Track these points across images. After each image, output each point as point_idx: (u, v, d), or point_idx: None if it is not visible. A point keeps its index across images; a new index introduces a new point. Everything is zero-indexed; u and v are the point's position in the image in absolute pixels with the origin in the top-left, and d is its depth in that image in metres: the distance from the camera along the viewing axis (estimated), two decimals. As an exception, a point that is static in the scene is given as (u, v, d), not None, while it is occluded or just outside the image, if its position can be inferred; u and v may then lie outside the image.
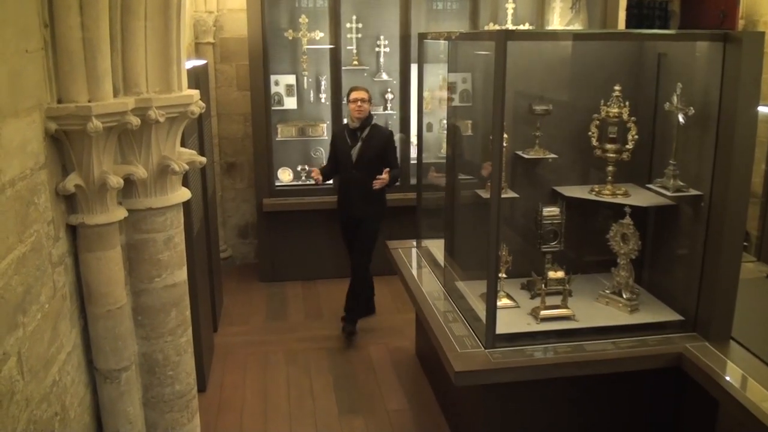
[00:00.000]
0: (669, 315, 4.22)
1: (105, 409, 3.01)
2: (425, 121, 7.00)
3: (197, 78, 5.09)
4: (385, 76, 7.45)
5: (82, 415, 2.87)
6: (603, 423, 4.15)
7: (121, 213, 2.85)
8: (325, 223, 7.16)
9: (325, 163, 6.43)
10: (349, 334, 6.07)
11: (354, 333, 6.10)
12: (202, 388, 5.03)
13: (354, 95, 5.94)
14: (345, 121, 7.55)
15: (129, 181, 2.85)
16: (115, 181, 2.70)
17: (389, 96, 7.49)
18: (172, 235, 3.06)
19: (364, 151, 5.95)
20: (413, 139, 7.31)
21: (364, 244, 6.13)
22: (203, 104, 3.08)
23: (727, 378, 3.58)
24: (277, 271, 7.48)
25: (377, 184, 5.78)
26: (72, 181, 2.66)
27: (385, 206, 6.21)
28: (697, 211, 4.05)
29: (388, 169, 5.81)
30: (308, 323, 6.50)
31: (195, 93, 2.98)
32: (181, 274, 3.16)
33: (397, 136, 7.49)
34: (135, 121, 2.69)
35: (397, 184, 6.34)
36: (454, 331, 4.16)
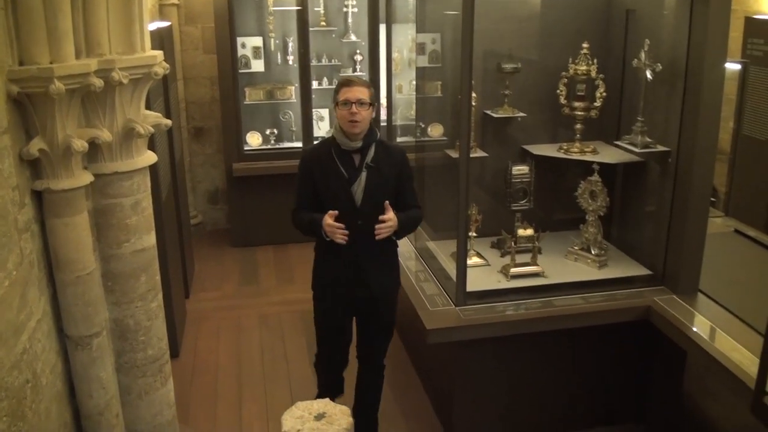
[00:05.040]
0: (637, 270, 4.28)
1: (77, 376, 3.00)
2: (395, 82, 6.97)
3: (162, 40, 4.99)
4: (353, 37, 7.36)
5: (54, 382, 2.86)
6: (574, 377, 4.21)
7: (86, 177, 2.82)
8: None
9: (295, 200, 3.80)
10: None
11: None
12: (175, 353, 5.02)
13: (346, 93, 3.50)
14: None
15: (94, 145, 2.81)
16: (80, 144, 2.66)
17: (358, 57, 7.42)
18: (140, 199, 3.04)
19: (373, 186, 3.59)
20: (383, 101, 7.26)
21: (384, 332, 3.93)
22: (167, 65, 3.03)
23: (695, 329, 3.66)
24: (248, 236, 7.45)
25: (382, 231, 3.53)
26: (36, 146, 2.61)
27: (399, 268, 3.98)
28: (665, 167, 4.09)
29: (386, 202, 3.54)
30: (281, 287, 6.50)
31: (158, 54, 2.94)
32: (150, 239, 3.14)
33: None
34: (98, 82, 2.64)
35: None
36: (426, 290, 4.19)
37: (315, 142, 3.56)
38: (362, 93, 3.50)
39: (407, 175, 3.74)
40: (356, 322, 3.97)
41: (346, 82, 3.56)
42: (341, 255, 3.64)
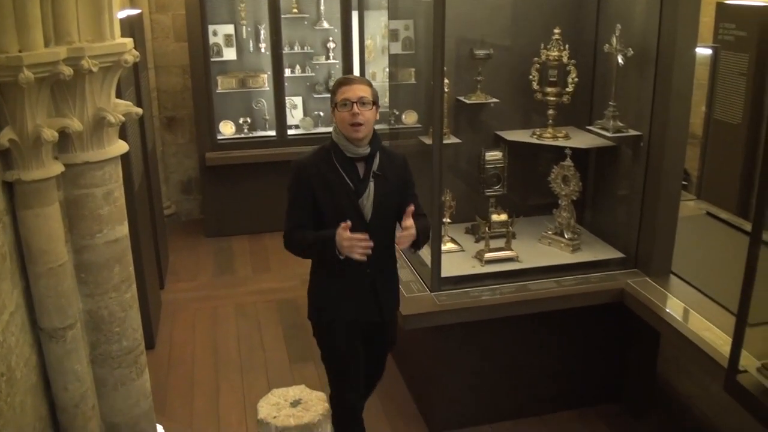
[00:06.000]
0: (610, 253, 4.32)
1: (52, 368, 2.98)
2: (368, 69, 6.95)
3: (132, 28, 4.94)
4: (326, 25, 7.32)
5: (29, 375, 2.83)
6: (551, 360, 4.25)
7: (57, 168, 2.79)
8: (269, 176, 7.10)
9: (289, 219, 3.26)
10: None
11: None
12: (150, 345, 5.00)
13: (345, 93, 3.11)
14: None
15: (65, 135, 2.78)
16: (50, 134, 2.63)
17: (331, 45, 7.38)
18: (112, 189, 3.01)
19: (382, 197, 3.23)
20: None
21: (387, 352, 3.75)
22: (137, 53, 3.00)
23: (668, 310, 3.71)
24: (222, 226, 7.41)
25: (404, 239, 3.14)
26: (6, 136, 2.58)
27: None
28: (637, 151, 4.13)
29: (412, 206, 3.15)
30: (256, 276, 6.49)
31: (128, 41, 2.91)
32: (123, 229, 3.11)
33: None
34: (67, 71, 2.61)
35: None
36: (401, 276, 4.18)
37: (307, 153, 3.27)
38: (363, 91, 3.11)
39: (411, 183, 3.40)
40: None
41: (345, 81, 3.17)
42: (351, 277, 3.25)
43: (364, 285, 3.29)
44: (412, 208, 3.13)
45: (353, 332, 3.37)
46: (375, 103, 3.14)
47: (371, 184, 3.19)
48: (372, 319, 3.36)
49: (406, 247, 3.20)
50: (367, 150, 3.17)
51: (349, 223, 2.99)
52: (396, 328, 3.61)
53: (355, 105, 3.06)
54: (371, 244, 3.01)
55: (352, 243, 2.99)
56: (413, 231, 3.11)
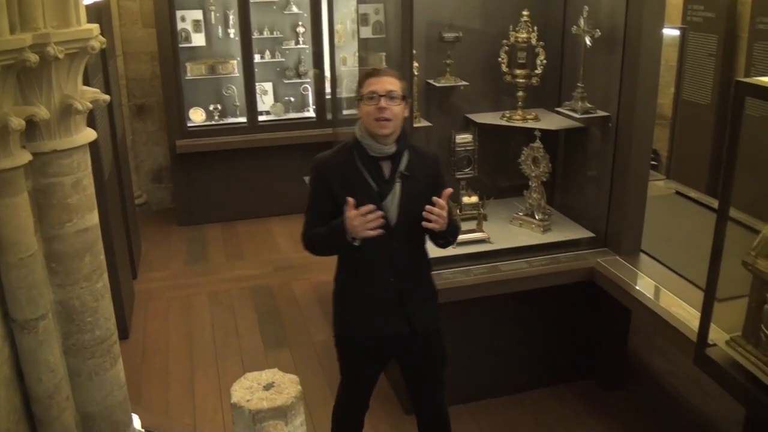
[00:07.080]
0: (580, 233, 4.37)
1: (25, 360, 2.96)
2: (339, 54, 6.92)
3: (99, 14, 4.88)
4: (295, 9, 7.28)
5: (1, 367, 2.81)
6: (525, 339, 4.31)
7: (25, 157, 2.75)
8: (240, 163, 7.08)
9: (306, 220, 3.10)
10: None
11: None
12: (124, 335, 4.98)
13: (372, 85, 2.91)
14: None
15: (32, 123, 2.75)
16: (17, 122, 2.59)
17: (300, 30, 7.35)
18: (81, 178, 2.98)
19: (408, 199, 2.98)
20: (327, 73, 7.22)
21: (435, 370, 3.32)
22: (104, 39, 2.97)
23: (638, 287, 3.76)
24: (194, 214, 7.38)
25: (433, 217, 2.86)
26: (-29, 125, 2.55)
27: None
28: (605, 132, 4.17)
29: (450, 189, 3.00)
30: (230, 264, 6.48)
31: (94, 27, 2.87)
32: (93, 218, 3.09)
33: (311, 72, 7.37)
34: (33, 58, 2.58)
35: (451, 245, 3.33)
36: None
37: (330, 150, 3.17)
38: (392, 84, 2.88)
39: (443, 185, 3.04)
40: (399, 366, 3.35)
41: (373, 72, 2.95)
42: (375, 289, 3.07)
43: (390, 296, 3.06)
44: (450, 190, 2.97)
45: (373, 352, 3.21)
46: (405, 97, 2.94)
47: (397, 186, 2.97)
48: (399, 332, 3.09)
49: (435, 227, 2.89)
50: (392, 149, 2.95)
51: (352, 200, 2.80)
52: (440, 343, 3.26)
53: (382, 99, 2.85)
54: (381, 213, 2.82)
55: (360, 220, 2.80)
56: (444, 213, 2.87)
